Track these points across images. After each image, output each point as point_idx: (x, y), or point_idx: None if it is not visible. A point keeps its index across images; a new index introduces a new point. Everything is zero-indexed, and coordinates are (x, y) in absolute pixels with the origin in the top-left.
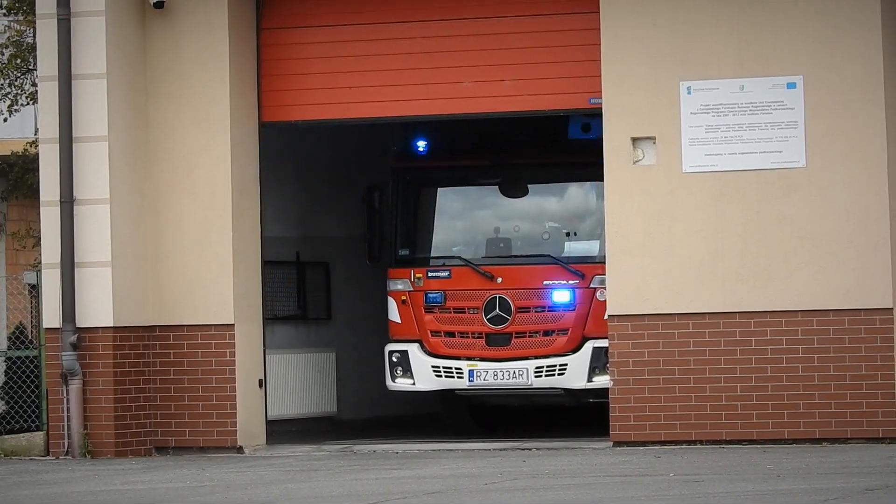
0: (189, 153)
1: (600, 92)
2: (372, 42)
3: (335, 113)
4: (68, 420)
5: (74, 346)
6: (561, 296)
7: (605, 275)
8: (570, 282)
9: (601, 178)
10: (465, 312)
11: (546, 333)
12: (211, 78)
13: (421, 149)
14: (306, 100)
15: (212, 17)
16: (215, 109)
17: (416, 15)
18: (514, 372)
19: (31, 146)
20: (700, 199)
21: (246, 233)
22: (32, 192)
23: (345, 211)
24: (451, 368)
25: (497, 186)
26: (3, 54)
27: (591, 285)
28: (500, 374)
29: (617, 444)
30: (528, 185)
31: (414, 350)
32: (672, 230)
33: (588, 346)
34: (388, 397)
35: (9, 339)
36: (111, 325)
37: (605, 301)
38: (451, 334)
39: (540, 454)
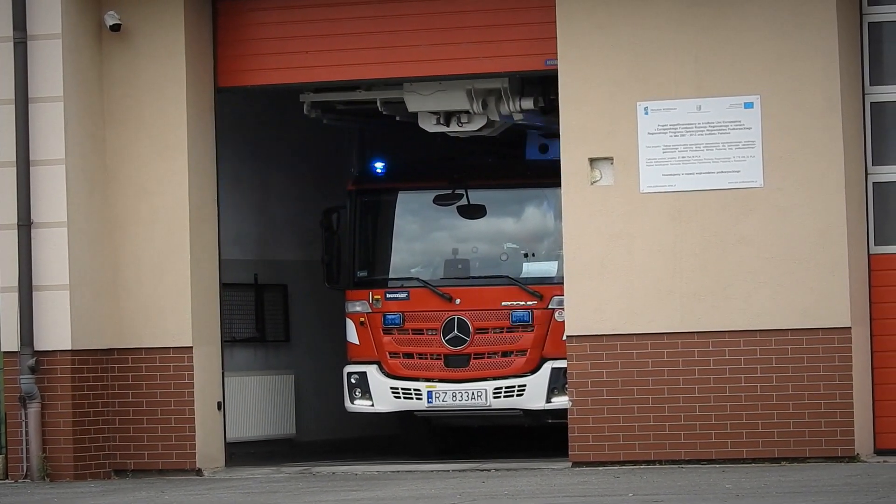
0: (146, 177)
1: (556, 54)
2: (329, 7)
3: (291, 77)
4: (27, 443)
5: (33, 370)
6: (519, 317)
7: (563, 295)
8: (529, 303)
9: (559, 199)
10: (423, 334)
11: (505, 354)
12: (168, 103)
13: (379, 170)
14: (262, 64)
15: (169, 42)
16: (173, 134)
17: None
18: (473, 393)
19: None
20: (658, 219)
21: (204, 255)
22: None
23: (303, 233)
24: (409, 390)
25: (455, 207)
26: None
27: (550, 306)
28: (458, 396)
29: (576, 464)
30: (486, 206)
31: (373, 372)
32: (630, 250)
33: (547, 367)
34: (347, 419)
35: None
36: (69, 348)
37: (563, 322)
38: (409, 356)
39: (499, 475)
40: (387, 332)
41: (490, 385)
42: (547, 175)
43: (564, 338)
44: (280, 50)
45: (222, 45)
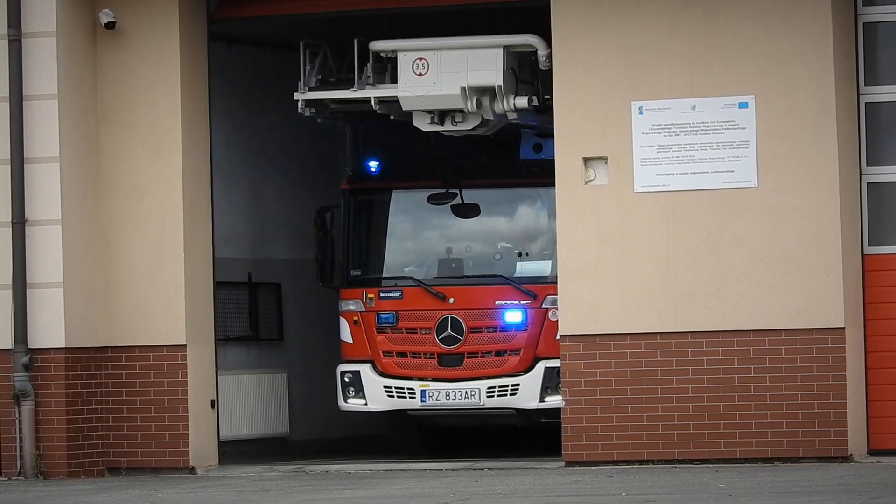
0: (140, 175)
1: None
2: None
3: (289, 9)
4: (20, 441)
5: (27, 367)
6: (513, 316)
7: (556, 295)
8: (522, 302)
9: (553, 199)
10: (417, 333)
11: (498, 354)
12: (162, 102)
13: (373, 169)
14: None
15: (164, 41)
16: (167, 133)
17: None
18: (467, 392)
19: None
20: (652, 219)
21: (198, 254)
22: None
23: (297, 232)
24: (403, 389)
25: (449, 207)
26: None
27: (543, 305)
28: (452, 395)
29: (569, 463)
30: (480, 206)
31: (366, 370)
32: (624, 250)
33: (540, 367)
34: (340, 418)
35: None
36: (63, 345)
37: (556, 321)
38: (403, 354)
39: (492, 474)
40: (380, 330)
41: (483, 384)
42: (541, 174)
43: (558, 337)
44: None
45: None
